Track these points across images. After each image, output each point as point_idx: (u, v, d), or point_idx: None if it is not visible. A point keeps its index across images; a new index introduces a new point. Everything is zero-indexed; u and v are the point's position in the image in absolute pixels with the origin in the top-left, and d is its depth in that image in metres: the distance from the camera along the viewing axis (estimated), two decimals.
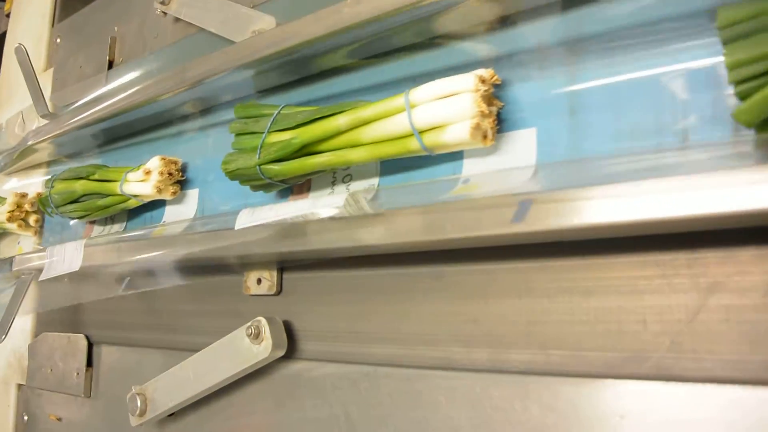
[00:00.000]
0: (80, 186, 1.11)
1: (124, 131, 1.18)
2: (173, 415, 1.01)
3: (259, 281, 0.93)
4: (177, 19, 1.15)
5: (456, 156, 0.73)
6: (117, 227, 1.16)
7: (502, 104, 0.70)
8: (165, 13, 1.15)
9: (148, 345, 1.10)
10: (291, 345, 0.87)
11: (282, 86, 0.93)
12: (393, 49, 0.81)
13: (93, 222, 1.21)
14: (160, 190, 1.00)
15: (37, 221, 1.36)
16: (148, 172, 1.01)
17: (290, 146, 0.77)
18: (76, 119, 1.15)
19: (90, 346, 1.21)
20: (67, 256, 1.07)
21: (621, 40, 0.65)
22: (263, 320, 0.84)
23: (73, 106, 1.25)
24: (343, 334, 0.83)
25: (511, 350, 0.67)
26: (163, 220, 1.06)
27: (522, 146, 0.68)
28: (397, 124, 0.70)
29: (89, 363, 1.21)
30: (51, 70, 1.50)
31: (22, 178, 1.49)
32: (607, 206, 0.53)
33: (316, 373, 0.85)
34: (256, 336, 0.84)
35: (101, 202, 1.09)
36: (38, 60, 1.54)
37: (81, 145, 1.29)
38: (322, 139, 0.76)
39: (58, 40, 1.52)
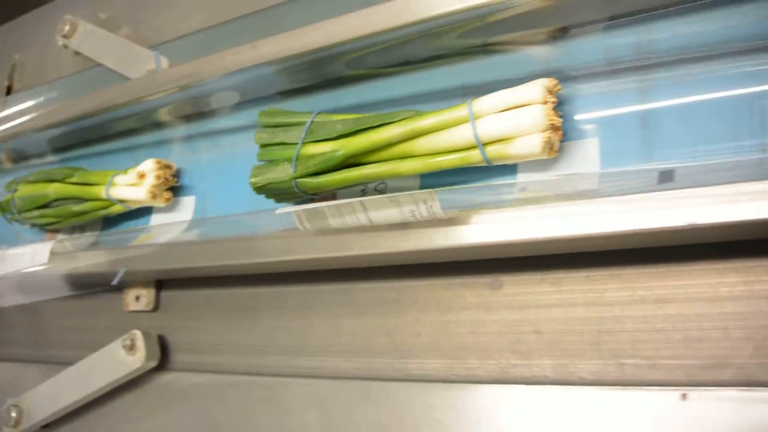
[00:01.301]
0: (53, 190, 1.00)
1: (93, 135, 1.08)
2: (48, 427, 1.01)
3: (137, 298, 0.97)
4: (77, 53, 1.15)
5: (509, 167, 0.69)
6: (87, 237, 1.05)
7: (562, 114, 0.66)
8: (66, 46, 1.15)
9: (27, 360, 1.09)
10: (165, 357, 0.92)
11: (303, 89, 0.87)
12: (425, 59, 0.77)
13: (57, 231, 1.09)
14: (154, 195, 0.92)
15: None
16: (141, 176, 0.92)
17: (333, 159, 0.71)
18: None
19: None
20: (27, 253, 1.03)
21: (697, 55, 0.63)
22: (138, 333, 0.88)
23: None
24: (214, 346, 0.88)
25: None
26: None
27: (583, 157, 0.65)
28: (459, 136, 0.66)
29: None
30: None
31: None
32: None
33: (187, 382, 0.89)
34: (131, 348, 0.87)
35: (77, 207, 0.99)
36: None
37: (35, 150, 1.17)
38: (369, 150, 0.70)
39: None
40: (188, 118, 0.98)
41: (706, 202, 0.52)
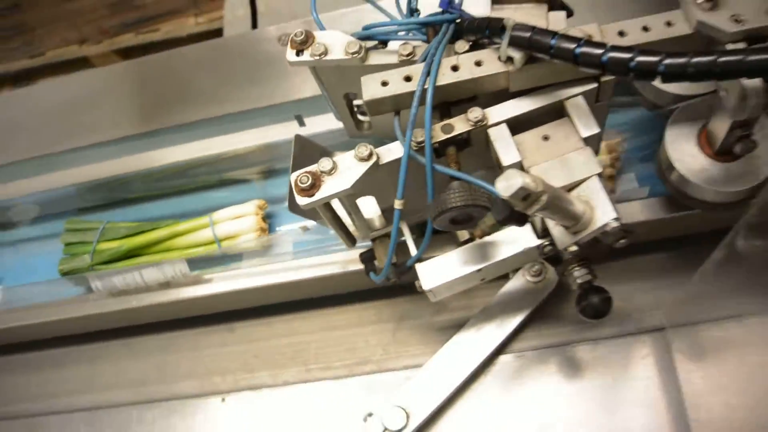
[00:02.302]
0: None
1: None
2: None
3: None
4: None
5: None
6: None
7: (270, 221, 1.04)
8: None
9: None
10: None
11: (100, 206, 1.17)
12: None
13: None
14: None
15: None
16: None
17: (119, 252, 1.03)
18: None
19: None
20: None
21: None
22: None
23: None
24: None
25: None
26: None
27: (281, 244, 1.03)
28: (204, 236, 1.02)
29: None
30: None
31: None
32: None
33: None
34: None
35: None
36: None
37: None
38: (144, 246, 1.03)
39: None
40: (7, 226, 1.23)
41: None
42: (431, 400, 0.84)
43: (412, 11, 0.70)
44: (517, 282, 0.87)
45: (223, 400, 0.97)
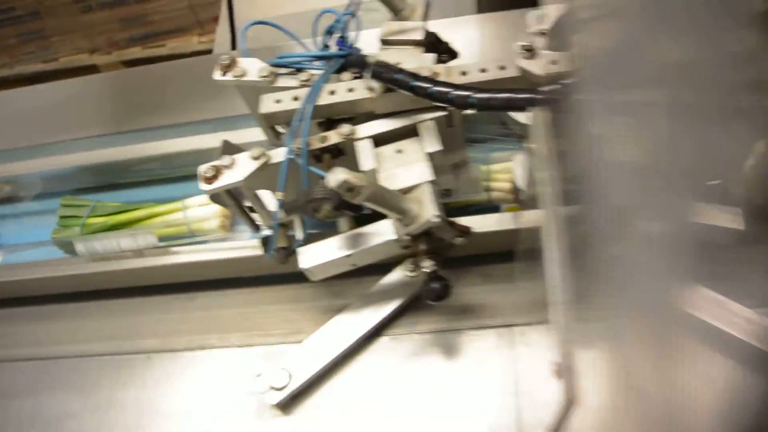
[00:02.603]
0: None
1: None
2: None
3: None
4: None
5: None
6: None
7: None
8: None
9: None
10: None
11: (92, 188, 1.38)
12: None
13: None
14: None
15: None
16: None
17: (105, 226, 1.22)
18: None
19: None
20: None
21: None
22: None
23: None
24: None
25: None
26: None
27: (242, 230, 1.22)
28: (177, 218, 1.21)
29: None
30: None
31: None
32: None
33: None
34: None
35: None
36: None
37: None
38: (126, 223, 1.22)
39: None
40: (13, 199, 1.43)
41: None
42: (311, 366, 1.00)
43: (325, 46, 0.90)
44: (396, 275, 1.03)
45: (149, 357, 1.14)
